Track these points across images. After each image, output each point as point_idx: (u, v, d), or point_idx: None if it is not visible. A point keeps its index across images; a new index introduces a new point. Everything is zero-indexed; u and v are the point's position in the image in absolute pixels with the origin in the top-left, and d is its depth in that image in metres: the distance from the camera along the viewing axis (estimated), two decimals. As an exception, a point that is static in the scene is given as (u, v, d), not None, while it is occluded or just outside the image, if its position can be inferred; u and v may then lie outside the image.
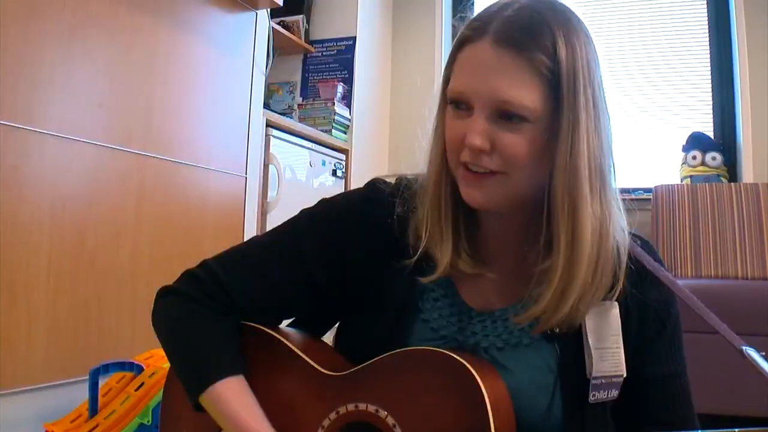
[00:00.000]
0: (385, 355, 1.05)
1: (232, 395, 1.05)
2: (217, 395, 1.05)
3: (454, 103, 0.98)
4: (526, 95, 0.91)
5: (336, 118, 3.98)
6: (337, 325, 1.25)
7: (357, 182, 4.00)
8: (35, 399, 2.05)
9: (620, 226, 1.00)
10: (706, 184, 3.68)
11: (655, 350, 1.07)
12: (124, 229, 2.34)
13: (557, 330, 1.02)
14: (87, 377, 2.05)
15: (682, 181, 3.95)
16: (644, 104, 4.27)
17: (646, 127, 4.22)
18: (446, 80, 1.00)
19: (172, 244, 2.54)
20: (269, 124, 3.23)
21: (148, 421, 1.68)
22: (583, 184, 0.94)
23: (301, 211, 1.20)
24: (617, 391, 1.03)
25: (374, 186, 1.16)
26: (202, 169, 2.71)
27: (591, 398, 1.01)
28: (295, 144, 3.48)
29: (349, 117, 4.13)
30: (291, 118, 3.72)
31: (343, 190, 3.90)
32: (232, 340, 1.12)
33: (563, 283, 0.95)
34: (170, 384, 1.28)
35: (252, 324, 1.16)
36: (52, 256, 2.07)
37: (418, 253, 1.07)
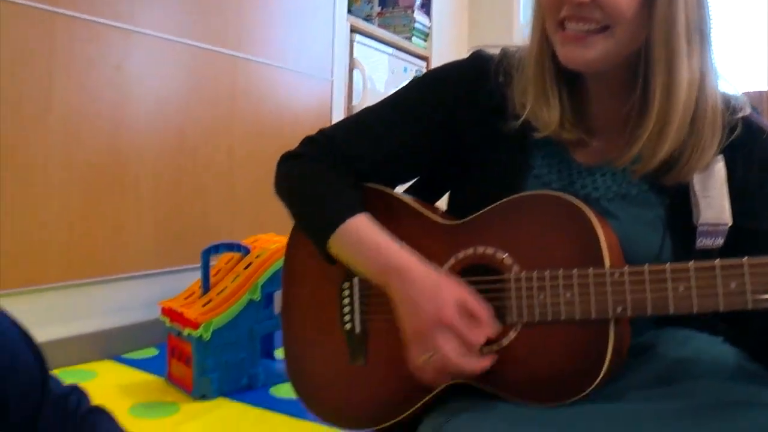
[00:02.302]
0: (499, 202, 1.09)
1: (366, 227, 1.11)
2: (349, 231, 1.10)
3: None
4: None
5: (416, 25, 3.96)
6: (447, 197, 1.30)
7: (438, 90, 4.00)
8: (146, 284, 2.19)
9: (717, 85, 1.01)
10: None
11: (762, 202, 1.08)
12: (220, 127, 2.43)
13: (666, 184, 1.04)
14: (190, 266, 2.19)
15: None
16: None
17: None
18: None
19: (263, 142, 2.63)
20: (353, 30, 3.25)
21: (257, 297, 1.79)
22: (680, 37, 0.95)
23: (411, 80, 1.25)
24: (722, 239, 1.05)
25: (479, 55, 1.19)
26: (290, 71, 2.77)
27: (698, 244, 1.03)
28: (378, 50, 3.49)
29: (429, 24, 4.10)
30: (372, 23, 3.73)
31: (424, 98, 3.90)
32: (355, 191, 1.19)
33: (659, 125, 0.97)
34: (292, 249, 1.35)
35: (367, 184, 1.22)
36: (157, 152, 2.18)
37: (523, 117, 1.10)
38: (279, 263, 1.82)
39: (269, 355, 1.99)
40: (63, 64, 1.89)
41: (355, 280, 1.24)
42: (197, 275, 2.07)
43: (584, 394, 0.95)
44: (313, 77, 2.91)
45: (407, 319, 1.05)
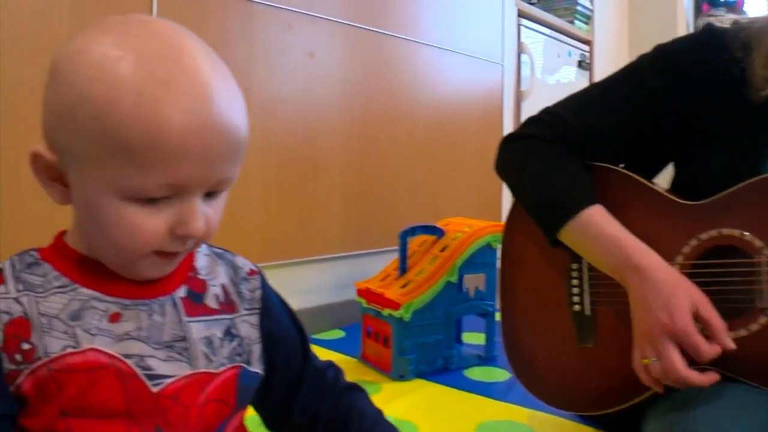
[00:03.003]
0: (743, 183, 1.03)
1: (603, 219, 1.08)
2: (585, 221, 1.08)
3: None
4: None
5: (578, 8, 3.85)
6: (673, 173, 1.25)
7: (601, 75, 3.87)
8: (332, 267, 2.24)
9: None
10: None
11: None
12: (401, 112, 2.45)
13: None
14: (373, 250, 2.21)
15: None
16: None
17: None
18: None
19: (440, 127, 2.63)
20: (520, 14, 3.19)
21: (454, 280, 1.78)
22: None
23: (639, 57, 1.20)
24: None
25: (711, 29, 1.13)
26: (463, 56, 2.75)
27: None
28: (543, 33, 3.42)
29: (591, 7, 3.98)
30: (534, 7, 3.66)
31: (587, 83, 3.80)
32: (587, 175, 1.15)
33: None
34: (511, 231, 1.34)
35: (597, 164, 1.18)
36: (344, 136, 2.21)
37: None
38: (475, 246, 1.81)
39: (457, 339, 1.98)
40: (260, 50, 1.95)
41: (584, 261, 1.20)
42: (379, 259, 2.10)
43: None
44: (485, 62, 2.88)
45: (639, 318, 1.02)
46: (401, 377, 1.73)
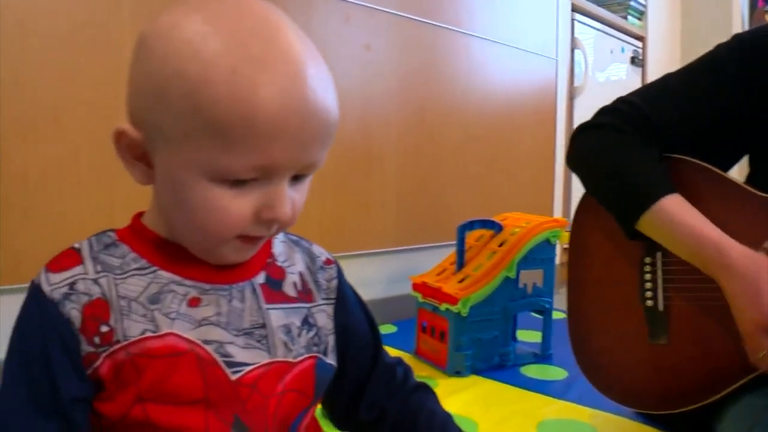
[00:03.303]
0: None
1: (683, 208, 1.05)
2: (665, 210, 1.05)
3: None
4: None
5: (631, 3, 3.79)
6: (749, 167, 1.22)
7: (654, 72, 3.81)
8: (386, 261, 2.22)
9: None
10: None
11: None
12: (456, 105, 2.42)
13: None
14: (426, 245, 2.19)
15: None
16: None
17: None
18: None
19: (494, 121, 2.60)
20: (573, 9, 3.14)
21: (512, 275, 1.75)
22: None
23: (717, 46, 1.17)
24: None
25: None
26: (517, 50, 2.71)
27: None
28: (595, 29, 3.36)
29: (644, 2, 3.91)
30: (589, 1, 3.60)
31: (640, 80, 3.74)
32: (664, 165, 1.13)
33: None
34: (580, 225, 1.31)
35: (672, 155, 1.15)
36: (400, 129, 2.19)
37: None
38: (534, 241, 1.78)
39: (512, 336, 1.95)
40: (318, 41, 1.89)
41: (658, 255, 1.17)
42: (432, 254, 2.08)
43: None
44: (538, 56, 2.84)
45: (746, 310, 0.98)
46: (457, 373, 1.71)
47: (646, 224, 1.08)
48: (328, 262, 0.78)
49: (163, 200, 0.64)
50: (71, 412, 0.59)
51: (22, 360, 0.60)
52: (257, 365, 0.65)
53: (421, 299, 1.81)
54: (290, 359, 0.68)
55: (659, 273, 1.17)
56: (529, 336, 2.04)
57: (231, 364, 0.63)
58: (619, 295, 1.23)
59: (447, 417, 0.81)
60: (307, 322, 0.71)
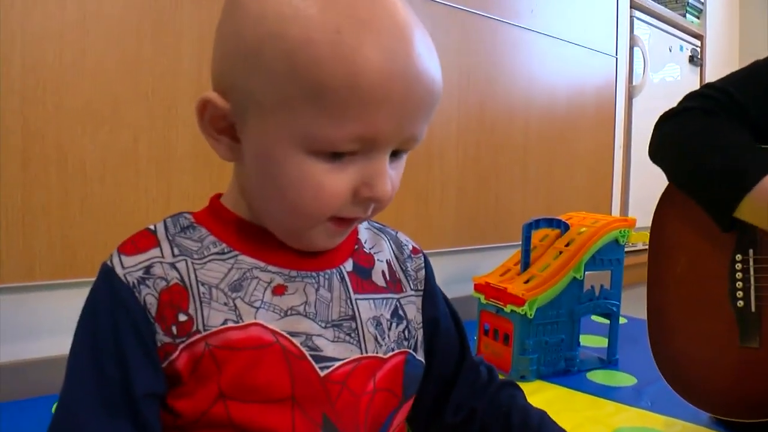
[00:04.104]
0: None
1: None
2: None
3: None
4: None
5: (689, 1, 3.69)
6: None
7: (713, 72, 3.70)
8: (445, 261, 2.17)
9: None
10: None
11: None
12: (518, 103, 2.36)
13: None
14: (486, 246, 2.13)
15: None
16: None
17: None
18: None
19: (554, 119, 2.53)
20: (631, 5, 3.06)
21: (580, 276, 1.69)
22: None
23: None
24: None
25: None
26: (578, 46, 2.65)
27: None
28: (654, 26, 3.27)
29: (702, 0, 3.81)
30: (646, -1, 3.52)
31: (698, 80, 3.64)
32: (759, 147, 1.07)
33: None
34: (661, 221, 1.25)
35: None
36: (460, 126, 2.14)
37: None
38: (603, 241, 1.71)
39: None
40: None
41: (750, 252, 1.11)
42: (491, 255, 2.02)
43: None
44: (598, 54, 2.77)
45: None
46: (522, 378, 1.65)
47: (746, 209, 1.01)
48: (415, 251, 0.74)
49: (249, 177, 0.59)
50: (144, 410, 0.54)
51: (92, 351, 0.54)
52: (347, 360, 0.60)
53: (483, 300, 1.76)
54: (381, 355, 0.63)
55: (751, 271, 1.11)
56: (589, 340, 1.97)
57: (319, 359, 0.58)
58: (706, 294, 1.17)
59: (542, 414, 0.75)
60: (397, 314, 0.67)
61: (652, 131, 1.19)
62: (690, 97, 1.16)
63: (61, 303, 1.34)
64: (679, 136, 1.14)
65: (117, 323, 0.54)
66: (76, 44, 1.36)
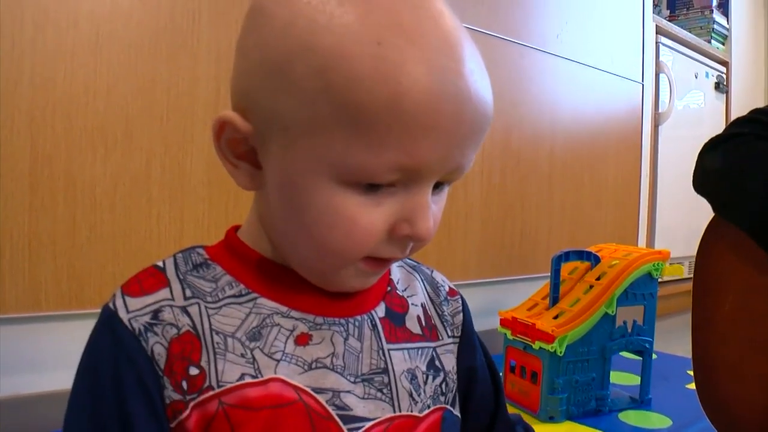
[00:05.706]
0: None
1: None
2: None
3: None
4: None
5: (714, 26, 3.62)
6: None
7: (739, 99, 3.63)
8: (470, 293, 2.08)
9: None
10: None
11: None
12: (542, 129, 2.29)
13: None
14: (510, 278, 2.05)
15: None
16: None
17: None
18: None
19: (580, 147, 2.46)
20: (657, 31, 3.00)
21: (612, 311, 1.60)
22: None
23: None
24: None
25: None
26: (605, 73, 2.58)
27: None
28: (680, 52, 3.21)
29: (728, 26, 3.74)
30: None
31: (724, 107, 3.56)
32: None
33: None
34: (707, 255, 1.17)
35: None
36: (485, 153, 2.07)
37: None
38: (636, 274, 1.63)
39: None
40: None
41: (808, 288, 1.02)
42: (516, 287, 1.94)
43: None
44: (625, 80, 2.70)
45: None
46: (551, 419, 1.56)
47: None
48: (452, 292, 0.66)
49: (271, 209, 0.51)
50: None
51: (92, 416, 0.47)
52: (378, 420, 0.52)
53: (510, 336, 1.67)
54: (416, 413, 0.55)
55: (811, 308, 1.02)
56: (619, 378, 1.87)
57: (347, 419, 0.51)
58: (759, 334, 1.08)
59: None
60: (433, 366, 0.59)
61: (696, 160, 1.11)
62: (737, 123, 1.08)
63: (67, 336, 1.27)
64: (729, 163, 1.06)
65: (121, 380, 0.47)
66: (88, 64, 1.31)
